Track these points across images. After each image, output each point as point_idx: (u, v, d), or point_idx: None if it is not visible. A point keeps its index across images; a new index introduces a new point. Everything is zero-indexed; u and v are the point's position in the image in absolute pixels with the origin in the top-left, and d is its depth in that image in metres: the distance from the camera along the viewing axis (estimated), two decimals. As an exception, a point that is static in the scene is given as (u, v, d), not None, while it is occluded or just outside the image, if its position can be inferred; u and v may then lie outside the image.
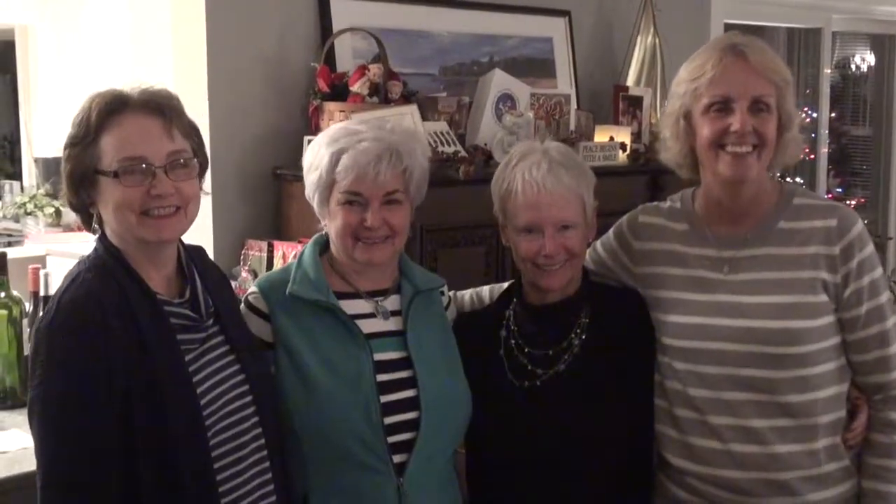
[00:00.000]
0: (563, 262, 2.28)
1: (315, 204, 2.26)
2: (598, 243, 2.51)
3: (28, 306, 2.99)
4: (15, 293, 2.99)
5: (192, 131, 2.01)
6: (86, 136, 1.92)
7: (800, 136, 2.32)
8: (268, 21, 3.39)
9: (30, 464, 2.43)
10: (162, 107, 1.95)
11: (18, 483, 2.44)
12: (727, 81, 2.19)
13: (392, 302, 2.28)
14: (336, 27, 3.46)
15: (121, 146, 1.90)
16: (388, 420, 2.15)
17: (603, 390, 2.28)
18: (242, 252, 3.24)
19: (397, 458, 2.15)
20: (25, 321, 2.97)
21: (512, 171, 2.30)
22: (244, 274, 3.09)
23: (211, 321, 2.03)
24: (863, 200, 6.90)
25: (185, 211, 1.96)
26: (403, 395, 2.18)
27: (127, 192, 1.90)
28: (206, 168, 2.04)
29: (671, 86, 2.33)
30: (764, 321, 2.21)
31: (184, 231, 2.00)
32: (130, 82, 1.97)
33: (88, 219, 2.00)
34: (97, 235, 1.98)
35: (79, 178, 1.94)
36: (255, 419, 2.03)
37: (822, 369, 2.23)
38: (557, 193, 2.26)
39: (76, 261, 3.25)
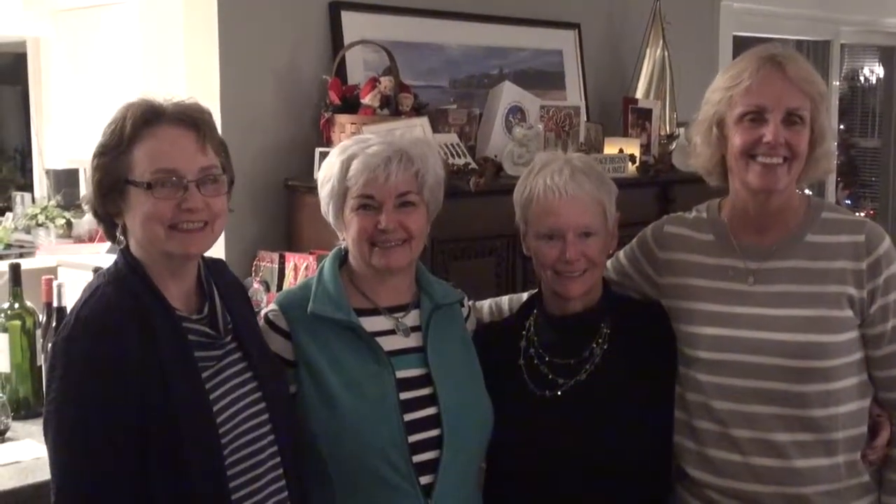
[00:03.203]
0: (584, 269, 2.28)
1: (331, 217, 2.26)
2: (621, 253, 2.51)
3: (41, 317, 3.00)
4: (28, 304, 3.00)
5: (221, 147, 2.00)
6: (118, 146, 1.90)
7: (832, 151, 2.31)
8: (280, 34, 3.40)
9: (43, 474, 2.44)
10: (196, 121, 1.94)
11: (32, 493, 2.45)
12: (763, 92, 2.19)
13: (412, 318, 2.27)
14: (347, 40, 3.48)
15: (154, 158, 1.88)
16: (412, 438, 2.14)
17: (624, 401, 2.28)
18: (254, 263, 3.25)
19: (424, 480, 2.14)
20: (39, 332, 2.98)
21: (534, 178, 2.31)
22: (256, 285, 3.10)
23: (229, 338, 2.02)
24: (871, 212, 6.90)
25: (212, 226, 1.95)
26: (426, 412, 2.17)
27: (158, 205, 1.88)
28: (233, 184, 2.03)
29: (706, 92, 2.31)
30: (789, 334, 2.20)
31: (209, 246, 1.99)
32: (162, 94, 1.96)
33: (112, 229, 1.98)
34: (120, 248, 1.97)
35: (107, 188, 1.91)
36: (272, 437, 2.01)
37: (845, 384, 2.22)
38: (578, 199, 2.27)
39: (87, 271, 3.28)
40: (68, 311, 2.84)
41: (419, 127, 3.22)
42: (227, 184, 1.99)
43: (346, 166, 2.19)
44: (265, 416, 2.02)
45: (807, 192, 2.44)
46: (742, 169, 2.22)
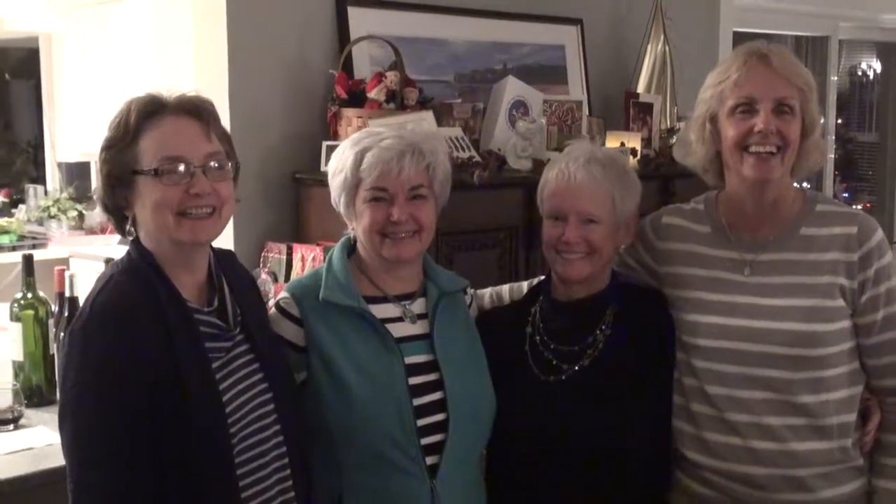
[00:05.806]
0: (584, 254, 2.31)
1: (341, 207, 2.29)
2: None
3: (54, 307, 3.03)
4: (41, 294, 3.04)
5: (224, 136, 2.02)
6: (124, 138, 1.92)
7: (822, 141, 2.36)
8: (287, 28, 3.42)
9: (55, 460, 2.45)
10: (199, 110, 1.96)
11: (44, 479, 2.48)
12: (751, 83, 2.24)
13: (418, 305, 2.31)
14: (353, 35, 3.50)
15: (160, 146, 1.91)
16: (420, 422, 2.18)
17: (626, 386, 2.31)
18: (262, 254, 3.27)
19: (429, 461, 2.19)
20: (51, 321, 3.01)
21: (555, 163, 2.37)
22: (264, 276, 3.11)
23: (238, 330, 2.04)
24: (868, 206, 6.92)
25: (220, 213, 1.96)
26: (432, 397, 2.22)
27: (166, 192, 1.90)
28: (238, 172, 2.04)
29: (699, 92, 2.36)
30: (782, 323, 2.24)
31: (218, 233, 2.01)
32: (165, 88, 1.98)
33: (122, 221, 2.00)
34: (131, 239, 1.98)
35: (116, 180, 1.93)
36: (277, 428, 2.04)
37: (837, 372, 2.26)
38: (585, 186, 2.30)
39: (98, 262, 3.32)
40: (81, 301, 2.90)
41: (425, 121, 3.24)
42: (233, 170, 2.01)
43: (359, 158, 2.22)
44: (270, 407, 2.04)
45: (805, 185, 2.48)
46: (737, 161, 2.26)
